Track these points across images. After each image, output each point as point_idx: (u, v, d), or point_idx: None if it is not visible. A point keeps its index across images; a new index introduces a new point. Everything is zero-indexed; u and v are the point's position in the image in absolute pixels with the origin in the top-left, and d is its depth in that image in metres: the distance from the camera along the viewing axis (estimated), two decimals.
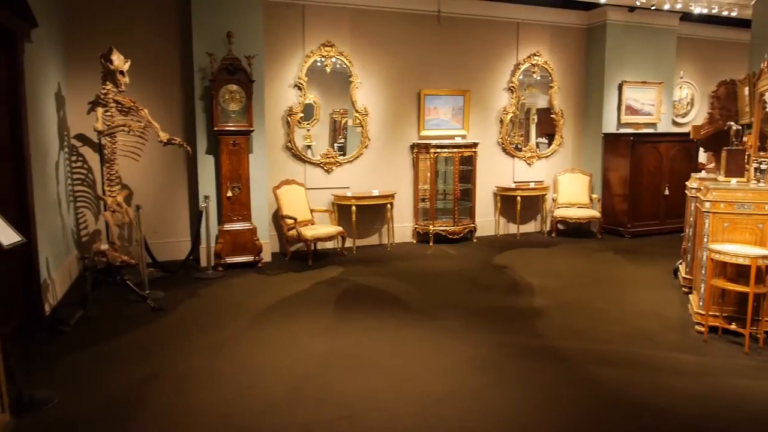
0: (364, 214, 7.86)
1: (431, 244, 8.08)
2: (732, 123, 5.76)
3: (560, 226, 8.99)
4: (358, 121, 7.90)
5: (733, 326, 4.43)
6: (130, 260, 5.55)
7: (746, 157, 5.24)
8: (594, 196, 8.95)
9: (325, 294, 5.70)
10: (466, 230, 8.28)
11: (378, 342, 4.42)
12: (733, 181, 5.01)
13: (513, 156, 9.00)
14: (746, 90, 5.84)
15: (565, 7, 8.76)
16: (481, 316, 5.02)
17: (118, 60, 5.58)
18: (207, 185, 6.78)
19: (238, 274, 6.47)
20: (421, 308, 5.25)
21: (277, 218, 7.30)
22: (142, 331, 4.67)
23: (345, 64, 7.72)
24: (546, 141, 9.36)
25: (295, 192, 7.37)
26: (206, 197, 6.57)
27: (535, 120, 9.30)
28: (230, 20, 6.62)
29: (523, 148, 9.08)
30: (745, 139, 5.55)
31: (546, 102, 9.19)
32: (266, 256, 7.03)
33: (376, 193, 7.76)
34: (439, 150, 7.98)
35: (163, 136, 6.02)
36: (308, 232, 6.91)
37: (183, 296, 5.60)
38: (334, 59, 7.65)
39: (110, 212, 5.71)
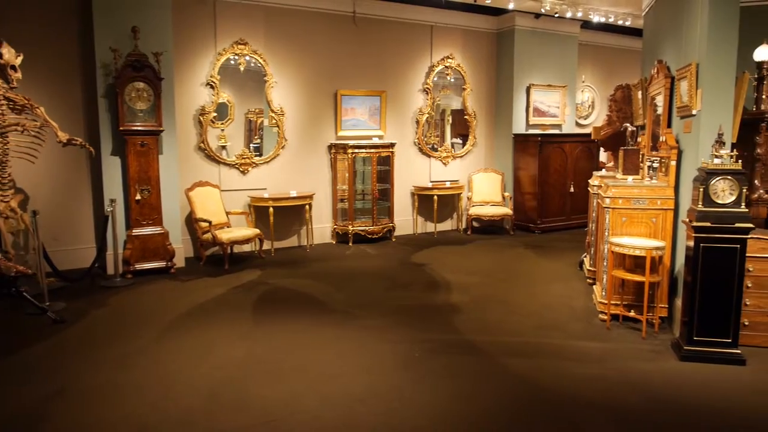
0: (282, 215, 7.75)
1: (351, 244, 8.10)
2: (628, 124, 6.19)
3: (475, 224, 9.29)
4: (274, 121, 7.77)
5: (632, 313, 4.76)
6: (27, 270, 5.16)
7: (641, 156, 5.65)
8: (506, 194, 9.32)
9: (243, 298, 5.56)
10: (385, 230, 8.36)
11: (298, 344, 4.37)
12: (630, 178, 5.39)
13: (429, 156, 9.20)
14: (639, 94, 6.29)
15: (476, 11, 9.07)
16: (401, 313, 5.10)
17: (8, 54, 5.17)
18: (113, 188, 6.42)
19: (149, 281, 6.18)
20: (341, 308, 5.25)
21: (191, 221, 7.04)
22: (43, 345, 4.35)
23: (259, 63, 7.57)
24: (460, 141, 9.64)
25: (209, 194, 7.14)
26: (112, 201, 6.22)
27: (450, 121, 9.57)
28: (136, 14, 6.31)
29: (439, 149, 9.31)
30: (639, 139, 5.98)
31: (460, 103, 9.47)
32: (179, 262, 6.76)
33: (294, 194, 7.67)
34: (356, 150, 8.01)
35: (62, 136, 5.65)
36: (224, 235, 6.71)
37: (88, 307, 5.27)
38: (248, 58, 7.48)
39: (2, 218, 5.28)
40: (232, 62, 7.43)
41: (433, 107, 9.15)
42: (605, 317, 4.82)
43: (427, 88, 8.98)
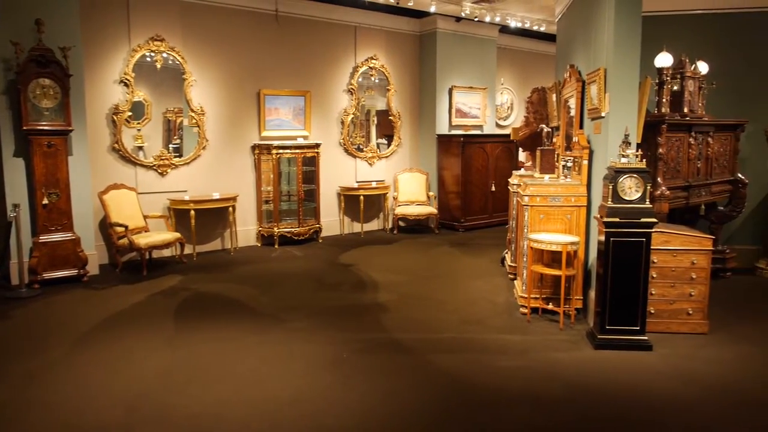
0: (205, 218, 7.51)
1: (276, 246, 7.97)
2: (543, 126, 6.48)
3: (401, 223, 9.40)
4: (194, 120, 7.52)
5: (550, 306, 4.99)
6: None
7: (556, 155, 5.93)
8: (431, 193, 9.49)
9: (163, 305, 5.34)
10: (312, 231, 8.29)
11: (223, 351, 4.25)
12: (546, 177, 5.64)
13: (355, 156, 9.21)
14: (554, 96, 6.60)
15: (399, 13, 9.17)
16: (329, 315, 5.07)
17: None
18: (17, 192, 5.96)
19: (59, 290, 5.80)
20: (267, 312, 5.15)
21: (105, 226, 6.67)
22: None
23: (178, 61, 7.29)
24: (386, 142, 9.73)
25: (125, 197, 6.80)
26: (16, 206, 5.78)
27: (375, 121, 9.63)
28: (40, 6, 5.89)
29: (365, 149, 9.34)
30: (554, 139, 6.27)
31: (385, 104, 9.55)
32: (93, 269, 6.39)
33: (216, 196, 7.45)
34: (281, 151, 7.89)
35: None
36: (141, 239, 6.41)
37: None
38: (165, 55, 7.19)
39: None
40: (148, 59, 7.11)
41: (358, 108, 9.18)
42: (526, 311, 5.02)
43: (352, 88, 8.99)
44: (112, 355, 4.13)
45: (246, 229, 8.12)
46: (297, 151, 8.03)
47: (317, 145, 8.30)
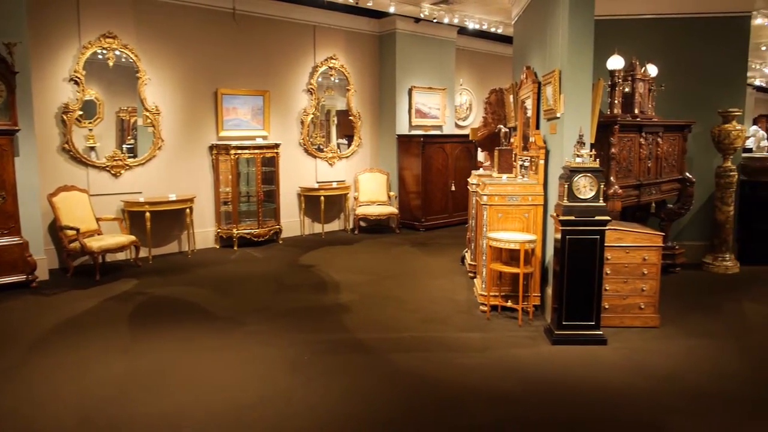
0: (161, 220, 7.33)
1: (236, 248, 7.85)
2: (501, 126, 6.58)
3: (362, 223, 9.40)
4: (149, 120, 7.33)
5: (509, 303, 5.07)
6: None
7: (514, 155, 6.04)
8: (392, 193, 9.52)
9: (118, 310, 5.19)
10: (272, 232, 8.20)
11: (181, 356, 4.16)
12: (504, 176, 5.74)
13: (315, 157, 9.16)
14: (511, 97, 6.71)
15: (358, 14, 9.17)
16: (290, 317, 5.03)
17: None
18: None
19: (6, 297, 5.56)
20: (227, 315, 5.07)
21: (56, 230, 6.43)
22: None
23: (131, 59, 7.10)
24: (346, 142, 9.71)
25: (76, 199, 6.57)
26: None
27: (335, 122, 9.60)
28: None
29: (325, 149, 9.30)
30: (512, 140, 6.38)
31: (344, 104, 9.52)
32: (42, 274, 6.16)
33: (173, 197, 7.29)
34: (240, 151, 7.77)
35: None
36: (94, 243, 6.21)
37: None
38: (117, 52, 6.98)
39: None
40: (100, 56, 6.90)
41: (318, 108, 9.13)
42: (485, 308, 5.09)
43: (312, 88, 8.93)
44: (65, 364, 3.99)
45: (204, 231, 7.96)
46: (256, 151, 7.92)
47: (277, 146, 8.22)
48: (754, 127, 12.50)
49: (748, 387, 3.69)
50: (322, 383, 3.70)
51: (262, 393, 3.56)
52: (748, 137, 11.20)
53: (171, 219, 7.52)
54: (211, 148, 7.96)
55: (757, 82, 16.13)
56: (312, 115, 9.00)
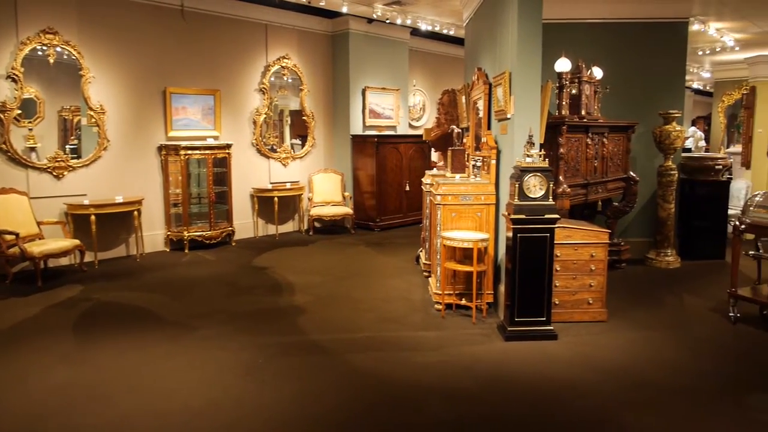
0: (107, 223, 7.08)
1: (187, 251, 7.66)
2: (454, 126, 6.66)
3: (317, 224, 9.34)
4: (93, 120, 7.07)
5: (463, 301, 5.14)
6: None
7: (466, 155, 6.12)
8: (346, 194, 9.50)
9: (61, 318, 4.97)
10: (224, 234, 8.04)
11: (129, 363, 4.02)
12: (458, 176, 5.81)
13: (268, 157, 9.04)
14: (463, 98, 6.81)
15: (311, 13, 9.11)
16: (243, 320, 4.94)
17: None
18: None
19: None
20: (177, 320, 4.94)
21: None
22: None
23: (73, 56, 6.82)
24: (300, 142, 9.63)
25: (14, 202, 6.26)
26: None
27: (289, 122, 9.50)
28: None
29: (278, 149, 9.19)
30: (465, 140, 6.47)
31: (298, 104, 9.44)
32: None
33: (119, 199, 7.05)
34: (190, 151, 7.59)
35: None
36: (35, 248, 5.94)
37: None
38: (59, 49, 6.70)
39: None
40: (40, 53, 6.60)
41: (271, 107, 9.02)
42: (440, 307, 5.14)
43: (264, 88, 8.81)
44: (5, 375, 3.80)
45: (153, 234, 7.74)
46: (207, 151, 7.76)
47: (228, 146, 8.07)
48: (693, 128, 13.11)
49: (690, 377, 3.86)
50: (275, 386, 3.65)
51: (213, 398, 3.48)
52: (687, 138, 11.73)
53: (118, 222, 7.27)
54: (160, 148, 7.74)
55: (695, 85, 16.91)
56: (265, 115, 8.88)
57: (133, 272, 6.63)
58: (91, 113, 7.05)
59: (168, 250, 7.81)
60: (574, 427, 3.19)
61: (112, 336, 4.53)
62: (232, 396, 3.52)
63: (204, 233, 7.77)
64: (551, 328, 4.48)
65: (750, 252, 5.19)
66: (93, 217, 6.72)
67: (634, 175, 6.75)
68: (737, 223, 4.90)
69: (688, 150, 11.37)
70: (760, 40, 10.17)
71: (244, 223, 8.69)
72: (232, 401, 3.45)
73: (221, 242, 8.05)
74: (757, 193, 5.03)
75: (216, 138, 8.22)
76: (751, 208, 4.87)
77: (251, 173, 8.81)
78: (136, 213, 7.20)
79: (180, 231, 7.70)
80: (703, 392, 3.62)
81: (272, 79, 8.93)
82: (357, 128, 9.78)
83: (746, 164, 8.86)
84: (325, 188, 9.40)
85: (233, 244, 8.20)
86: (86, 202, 6.84)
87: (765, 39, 10.06)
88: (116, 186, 7.31)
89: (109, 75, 7.21)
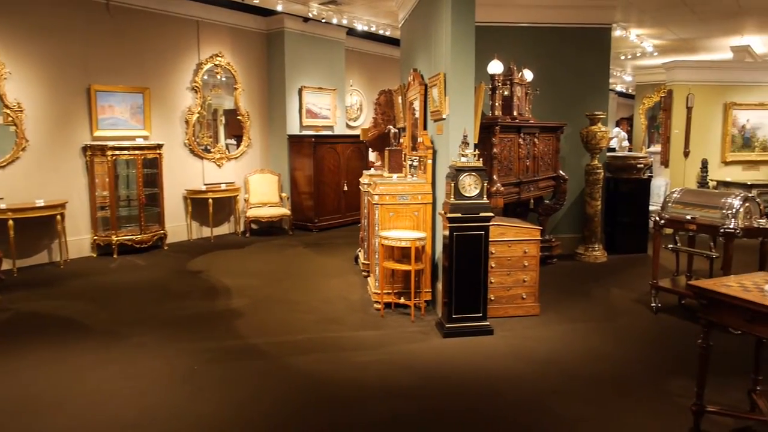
0: (27, 228, 6.66)
1: (116, 256, 7.33)
2: (391, 127, 6.71)
3: (254, 226, 9.16)
4: (10, 118, 6.64)
5: (402, 300, 5.18)
6: None
7: (403, 155, 6.18)
8: (283, 194, 9.38)
9: None
10: (156, 237, 7.75)
11: (55, 375, 3.81)
12: (395, 176, 5.85)
13: (202, 158, 8.79)
14: (400, 99, 6.86)
15: (245, 11, 8.93)
16: (177, 326, 4.78)
17: None
18: None
19: None
20: (106, 329, 4.72)
21: None
22: None
23: None
24: (235, 142, 9.42)
25: None
26: None
27: (223, 121, 9.27)
28: None
29: (212, 150, 8.96)
30: (401, 140, 6.53)
31: (232, 103, 9.23)
32: None
33: (40, 203, 6.66)
34: (117, 152, 7.27)
35: None
36: None
37: None
38: None
39: None
40: None
41: (204, 107, 8.77)
42: (379, 306, 5.16)
43: (196, 86, 8.56)
44: None
45: (78, 239, 7.36)
46: (136, 152, 7.45)
47: (159, 146, 7.78)
48: (617, 129, 13.79)
49: (618, 366, 4.05)
50: (214, 393, 3.56)
51: (148, 408, 3.35)
52: (612, 138, 12.33)
53: (39, 227, 6.86)
54: (85, 149, 7.37)
55: (618, 88, 17.80)
56: (198, 115, 8.62)
57: (56, 280, 6.28)
58: (8, 111, 6.62)
59: (95, 255, 7.44)
60: (508, 418, 3.29)
61: (34, 348, 4.27)
62: (168, 405, 3.40)
63: (134, 237, 7.46)
64: (487, 323, 4.59)
65: (669, 246, 5.51)
66: (11, 222, 6.31)
67: (564, 173, 7.03)
68: (657, 218, 5.20)
69: (613, 150, 11.96)
70: (676, 46, 10.84)
71: (177, 225, 8.41)
72: (167, 411, 3.33)
73: (153, 246, 7.76)
74: (674, 189, 5.36)
75: (146, 138, 7.91)
76: (669, 204, 5.18)
77: (184, 174, 8.54)
78: (59, 217, 6.82)
79: (108, 235, 7.36)
80: (628, 379, 3.81)
81: (205, 77, 8.69)
82: (294, 128, 9.68)
83: (665, 163, 9.40)
84: (262, 189, 9.24)
85: (165, 248, 7.92)
86: (3, 206, 6.42)
87: (681, 45, 10.73)
88: (37, 189, 6.90)
89: (27, 71, 6.79)
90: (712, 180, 8.99)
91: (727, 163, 9.41)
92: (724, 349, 4.06)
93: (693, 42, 10.48)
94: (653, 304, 5.21)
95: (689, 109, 9.15)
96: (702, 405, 3.07)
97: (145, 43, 7.96)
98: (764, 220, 4.63)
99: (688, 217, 4.93)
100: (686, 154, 9.26)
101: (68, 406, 3.37)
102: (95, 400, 3.45)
